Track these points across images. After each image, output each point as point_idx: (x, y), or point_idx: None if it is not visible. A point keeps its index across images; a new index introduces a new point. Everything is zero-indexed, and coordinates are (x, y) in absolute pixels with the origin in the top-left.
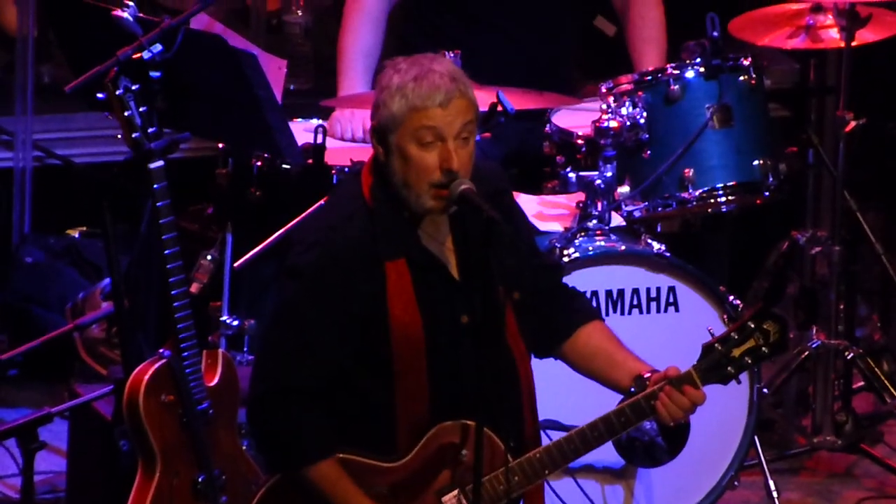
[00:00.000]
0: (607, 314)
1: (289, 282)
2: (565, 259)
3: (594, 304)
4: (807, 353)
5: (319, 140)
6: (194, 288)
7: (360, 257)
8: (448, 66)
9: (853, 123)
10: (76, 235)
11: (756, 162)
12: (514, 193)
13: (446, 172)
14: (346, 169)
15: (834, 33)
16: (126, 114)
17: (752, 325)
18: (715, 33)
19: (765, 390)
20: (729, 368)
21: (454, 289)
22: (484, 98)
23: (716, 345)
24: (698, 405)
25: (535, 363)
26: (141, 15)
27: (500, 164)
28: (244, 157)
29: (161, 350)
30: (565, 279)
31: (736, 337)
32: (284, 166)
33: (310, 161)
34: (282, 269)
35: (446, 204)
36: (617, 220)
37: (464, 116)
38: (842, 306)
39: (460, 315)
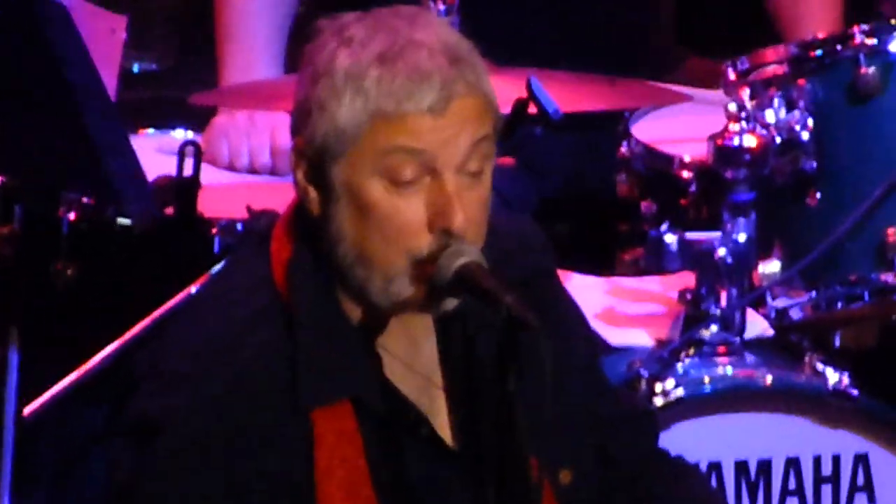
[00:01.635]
0: None
1: (133, 447)
2: (658, 401)
3: (713, 483)
4: None
5: (188, 170)
6: None
7: (268, 401)
8: (441, 33)
9: None
10: None
11: None
12: (564, 274)
13: (441, 235)
14: (240, 226)
15: None
16: None
17: None
18: None
19: None
20: None
21: (444, 462)
22: (504, 90)
23: None
24: None
25: None
26: None
27: (536, 223)
28: (45, 202)
29: None
30: (663, 439)
31: None
32: (121, 221)
33: (169, 210)
34: (118, 422)
35: (435, 293)
36: (757, 324)
37: (473, 130)
38: None
39: None
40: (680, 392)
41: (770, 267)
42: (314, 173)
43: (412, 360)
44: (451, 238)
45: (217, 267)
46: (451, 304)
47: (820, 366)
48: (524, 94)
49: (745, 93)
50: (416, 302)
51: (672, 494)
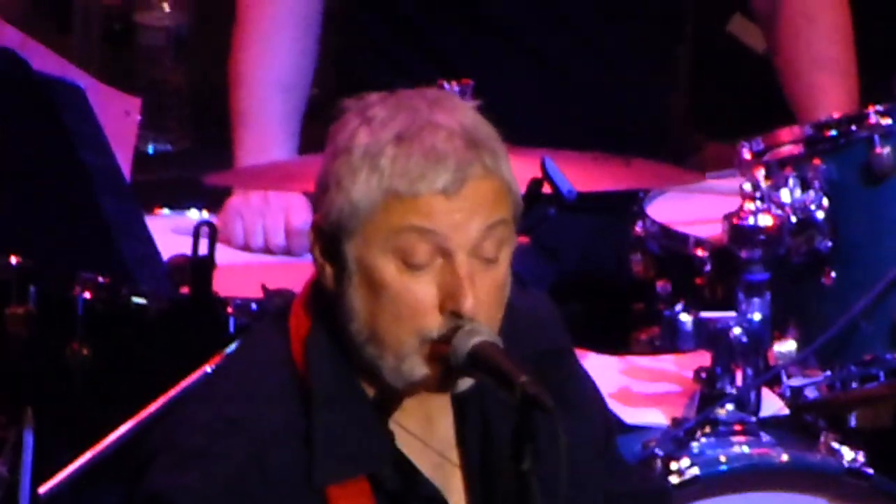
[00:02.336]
0: None
1: None
2: (674, 480)
3: None
4: None
5: (203, 249)
6: None
7: (282, 479)
8: (462, 116)
9: None
10: None
11: None
12: (578, 353)
13: (452, 317)
14: (255, 306)
15: None
16: None
17: None
18: None
19: None
20: None
21: None
22: (519, 170)
23: None
24: None
25: None
26: None
27: (551, 300)
28: (60, 283)
29: None
30: None
31: None
32: (136, 300)
33: (184, 290)
34: (133, 498)
35: (450, 373)
36: (773, 404)
37: (487, 213)
38: None
39: None
40: (695, 471)
41: (785, 346)
42: (330, 250)
43: (428, 437)
44: (462, 320)
45: (232, 347)
46: (465, 384)
47: (835, 445)
48: (539, 174)
49: (760, 173)
50: (428, 382)
51: None
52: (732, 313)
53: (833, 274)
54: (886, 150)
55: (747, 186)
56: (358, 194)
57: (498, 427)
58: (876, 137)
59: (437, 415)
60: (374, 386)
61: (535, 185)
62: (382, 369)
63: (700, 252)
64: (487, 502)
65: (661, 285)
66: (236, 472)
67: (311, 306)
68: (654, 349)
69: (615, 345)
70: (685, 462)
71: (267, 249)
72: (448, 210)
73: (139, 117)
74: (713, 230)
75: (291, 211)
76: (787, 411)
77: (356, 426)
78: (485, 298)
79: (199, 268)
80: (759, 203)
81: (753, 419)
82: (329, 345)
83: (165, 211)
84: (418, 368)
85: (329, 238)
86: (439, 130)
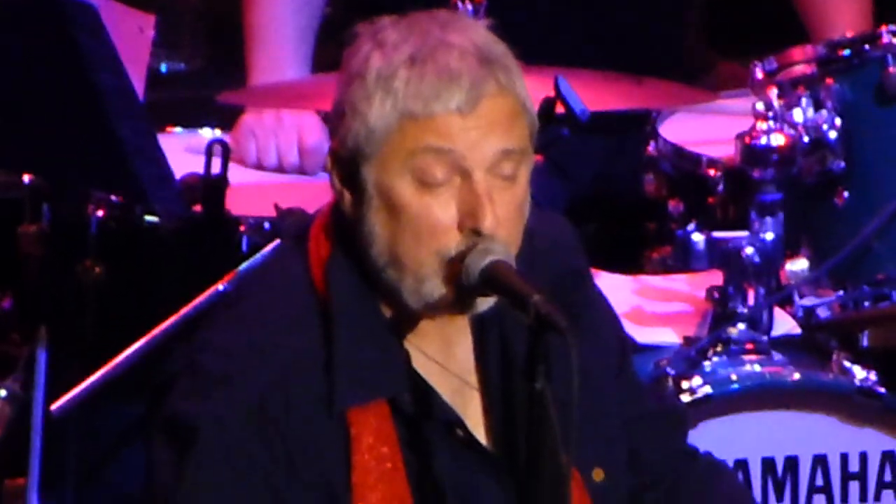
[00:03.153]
0: (765, 502)
1: (167, 448)
2: (685, 399)
3: (743, 481)
4: None
5: (216, 168)
6: None
7: (304, 403)
8: (474, 35)
9: None
10: None
11: None
12: (591, 273)
13: (471, 235)
14: (268, 225)
15: None
16: None
17: None
18: None
19: None
20: None
21: (478, 462)
22: (532, 90)
23: None
24: None
25: None
26: None
27: (566, 219)
28: (72, 201)
29: None
30: (690, 437)
31: None
32: (149, 219)
33: (196, 208)
34: (155, 419)
35: (464, 294)
36: (785, 323)
37: (504, 131)
38: None
39: None
40: (707, 390)
41: (797, 266)
42: (348, 175)
43: (447, 361)
44: (481, 238)
45: (245, 265)
46: (483, 304)
47: (847, 364)
48: (552, 94)
49: (773, 92)
50: (448, 303)
51: (702, 492)
52: (745, 233)
53: (845, 194)
54: None
55: (760, 106)
56: (373, 118)
57: (517, 350)
58: (889, 57)
59: (457, 339)
60: (393, 310)
61: (548, 104)
62: (402, 292)
63: (713, 172)
64: (506, 426)
65: (674, 205)
66: (259, 398)
67: (331, 230)
68: (666, 269)
69: (627, 265)
70: (697, 381)
71: (280, 168)
72: (464, 128)
73: (153, 34)
74: (726, 150)
75: (304, 130)
76: (799, 331)
77: (376, 350)
78: (504, 216)
79: (212, 186)
80: (771, 123)
81: (765, 338)
82: (349, 269)
83: (178, 130)
84: (438, 289)
85: (347, 164)
86: (452, 50)
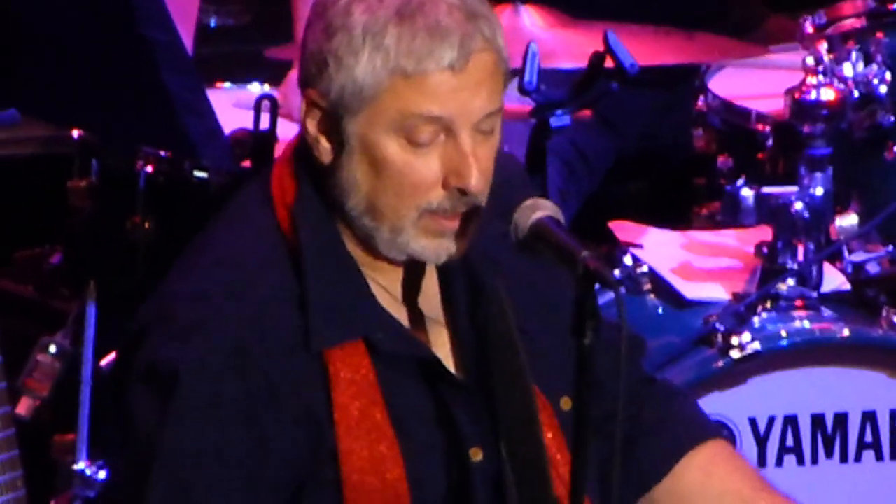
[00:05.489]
0: (815, 458)
1: (147, 397)
2: (735, 354)
3: (789, 436)
4: None
5: (265, 123)
6: (23, 407)
7: (281, 342)
8: None
9: None
10: None
11: None
12: (640, 228)
13: (455, 192)
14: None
15: None
16: None
17: None
18: None
19: None
20: None
21: (452, 394)
22: (581, 44)
23: None
24: None
25: None
26: None
27: (612, 173)
28: (121, 156)
29: None
30: (740, 393)
31: None
32: (198, 174)
33: (246, 163)
34: (124, 375)
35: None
36: (834, 279)
37: (490, 88)
38: None
39: (468, 446)
40: (756, 346)
41: (847, 221)
42: (328, 125)
43: (415, 299)
44: (467, 197)
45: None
46: (458, 254)
47: None
48: (601, 48)
49: (823, 47)
50: (423, 253)
51: (661, 415)
52: (794, 188)
53: (895, 149)
54: None
55: (809, 60)
56: (361, 74)
57: (483, 284)
58: None
59: (423, 277)
60: (362, 251)
61: (597, 58)
62: (377, 241)
63: (762, 127)
64: (476, 361)
65: (723, 160)
66: (236, 338)
67: (295, 174)
68: (714, 224)
69: (676, 220)
70: (746, 337)
71: None
72: (455, 89)
73: None
74: (775, 105)
75: None
76: (848, 286)
77: (348, 291)
78: (485, 169)
79: (261, 141)
80: (821, 77)
81: (815, 294)
82: (316, 212)
83: (227, 85)
84: (414, 241)
85: (328, 114)
86: (439, 4)
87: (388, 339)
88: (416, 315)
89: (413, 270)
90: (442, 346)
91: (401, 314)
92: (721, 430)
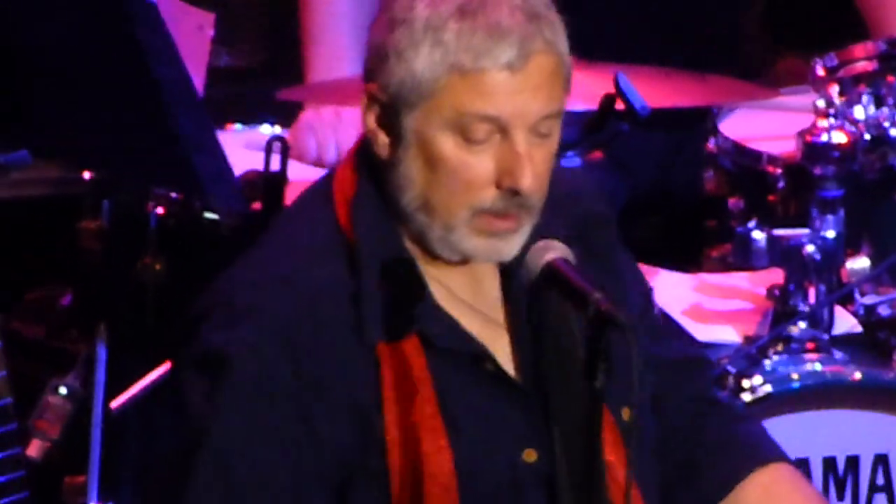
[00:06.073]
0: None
1: (199, 382)
2: (746, 396)
3: None
4: None
5: (275, 165)
6: (34, 449)
7: (334, 331)
8: None
9: None
10: None
11: None
12: (651, 270)
13: (509, 194)
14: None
15: None
16: None
17: None
18: None
19: None
20: None
21: (509, 396)
22: (592, 86)
23: None
24: None
25: None
26: None
27: (623, 216)
28: (133, 198)
29: None
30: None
31: None
32: (208, 215)
33: (256, 205)
34: (178, 365)
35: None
36: (846, 321)
37: (547, 96)
38: None
39: (521, 447)
40: (768, 388)
41: (858, 263)
42: (386, 119)
43: (473, 298)
44: (519, 197)
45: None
46: (509, 255)
47: None
48: (612, 90)
49: (834, 89)
50: (474, 252)
51: (723, 437)
52: (806, 230)
53: None
54: None
55: (821, 103)
56: (420, 68)
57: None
58: None
59: (483, 276)
60: (420, 249)
61: (608, 100)
62: (430, 237)
63: (773, 168)
64: (535, 362)
65: (734, 202)
66: (289, 325)
67: (358, 170)
68: (726, 266)
69: (687, 262)
70: (757, 379)
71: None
72: (512, 89)
73: (212, 32)
74: (786, 147)
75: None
76: (860, 329)
77: (405, 285)
78: (540, 172)
79: (272, 183)
80: (832, 120)
81: (826, 336)
82: (375, 208)
83: (238, 126)
84: (466, 240)
85: (386, 108)
86: (501, 4)
87: (443, 335)
88: (474, 314)
89: (472, 269)
90: (500, 347)
91: (458, 312)
92: (787, 455)
